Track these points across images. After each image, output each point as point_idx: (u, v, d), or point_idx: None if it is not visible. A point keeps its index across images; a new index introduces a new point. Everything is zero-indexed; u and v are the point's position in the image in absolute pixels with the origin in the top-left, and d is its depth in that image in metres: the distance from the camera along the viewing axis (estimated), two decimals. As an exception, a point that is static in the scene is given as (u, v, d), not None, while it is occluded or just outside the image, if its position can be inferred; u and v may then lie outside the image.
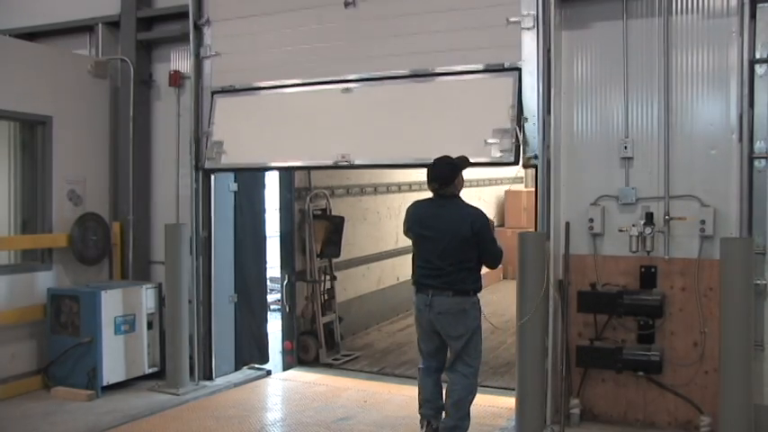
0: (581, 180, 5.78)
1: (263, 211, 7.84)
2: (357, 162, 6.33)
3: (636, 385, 5.65)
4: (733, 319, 4.92)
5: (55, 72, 7.10)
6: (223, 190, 7.23)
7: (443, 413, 5.23)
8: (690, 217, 5.45)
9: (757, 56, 5.25)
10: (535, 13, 5.61)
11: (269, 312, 8.19)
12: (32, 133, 7.06)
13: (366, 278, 9.68)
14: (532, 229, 5.86)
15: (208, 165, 6.93)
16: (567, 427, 5.64)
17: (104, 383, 6.58)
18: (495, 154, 5.66)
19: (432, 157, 5.21)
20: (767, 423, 5.21)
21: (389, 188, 10.14)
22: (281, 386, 7.18)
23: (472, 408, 5.20)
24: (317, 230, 8.15)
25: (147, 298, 7.01)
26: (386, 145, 6.19)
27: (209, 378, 7.08)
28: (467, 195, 5.38)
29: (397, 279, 10.21)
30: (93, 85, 7.42)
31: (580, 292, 5.69)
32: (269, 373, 7.44)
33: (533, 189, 5.85)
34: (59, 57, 7.33)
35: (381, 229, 10.08)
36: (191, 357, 6.90)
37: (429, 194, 5.29)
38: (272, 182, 8.05)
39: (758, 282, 5.19)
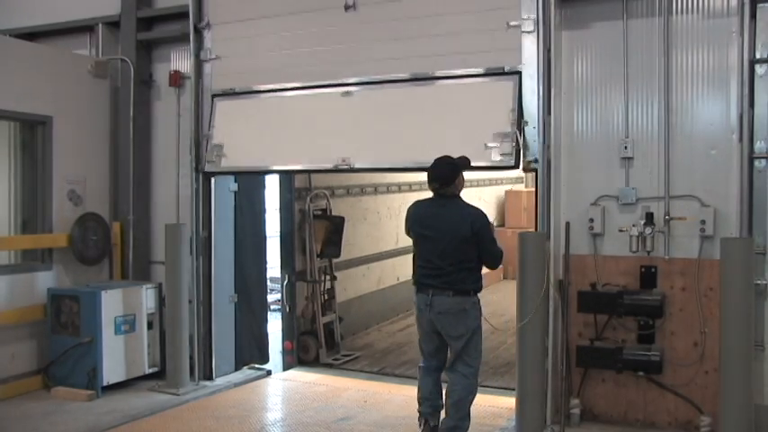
0: (581, 180, 5.78)
1: (264, 211, 7.84)
2: (357, 165, 6.33)
3: (636, 385, 5.65)
4: (733, 319, 4.91)
5: (55, 72, 7.11)
6: (223, 190, 7.23)
7: (443, 413, 5.23)
8: (690, 217, 5.45)
9: (757, 56, 5.25)
10: (535, 16, 5.61)
11: (269, 312, 8.19)
12: (33, 133, 7.06)
13: (366, 278, 9.68)
14: (533, 230, 5.86)
15: (208, 168, 6.93)
16: (568, 427, 5.64)
17: (104, 383, 6.58)
18: (496, 158, 5.66)
19: (432, 160, 5.21)
20: (767, 423, 5.21)
21: (390, 188, 10.14)
22: (282, 386, 7.18)
23: (472, 408, 5.21)
24: (318, 230, 8.15)
25: (147, 298, 7.01)
26: (386, 148, 6.19)
27: (210, 378, 7.08)
28: (467, 195, 5.39)
29: (398, 279, 10.21)
30: (94, 84, 7.43)
31: (580, 292, 5.69)
32: (269, 373, 7.44)
33: (533, 189, 5.85)
34: (60, 57, 7.34)
35: (381, 229, 10.08)
36: (191, 357, 6.90)
37: (430, 194, 5.29)
38: (272, 182, 8.05)
39: (758, 282, 5.19)
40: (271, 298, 8.95)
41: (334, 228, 8.31)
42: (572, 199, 5.79)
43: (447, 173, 5.12)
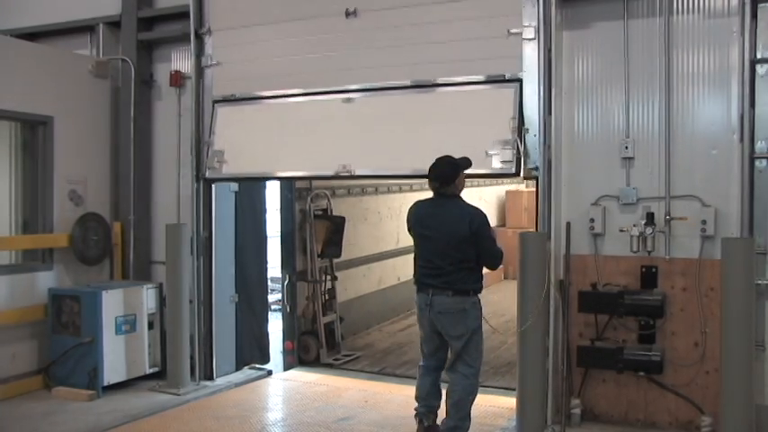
0: (582, 180, 5.77)
1: (264, 211, 7.84)
2: (358, 172, 6.32)
3: (637, 385, 5.65)
4: (734, 320, 4.91)
5: (56, 72, 7.11)
6: (224, 190, 7.23)
7: (444, 413, 5.23)
8: (690, 217, 5.44)
9: (758, 56, 5.24)
10: (536, 24, 5.61)
11: (270, 312, 8.20)
12: (33, 133, 7.06)
13: (367, 278, 9.68)
14: (533, 229, 5.86)
15: (209, 174, 6.92)
16: (568, 427, 5.64)
17: (105, 383, 6.58)
18: (496, 165, 5.66)
19: None
20: (768, 423, 5.22)
21: (390, 188, 10.14)
22: (282, 386, 7.18)
23: (473, 408, 5.21)
24: (318, 230, 8.15)
25: (147, 298, 7.01)
26: (387, 155, 6.18)
27: (210, 378, 7.08)
28: (468, 195, 5.39)
29: (398, 279, 10.21)
30: (94, 85, 7.43)
31: (581, 292, 5.69)
32: (270, 373, 7.44)
33: (534, 189, 5.85)
34: (60, 57, 7.34)
35: (382, 230, 10.08)
36: (191, 357, 6.90)
37: (430, 194, 5.29)
38: (273, 182, 8.05)
39: (759, 282, 5.18)
40: (271, 298, 8.96)
41: (335, 228, 8.31)
42: (573, 199, 5.79)
43: (447, 172, 5.12)
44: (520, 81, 5.72)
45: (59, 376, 6.67)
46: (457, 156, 5.19)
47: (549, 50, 5.60)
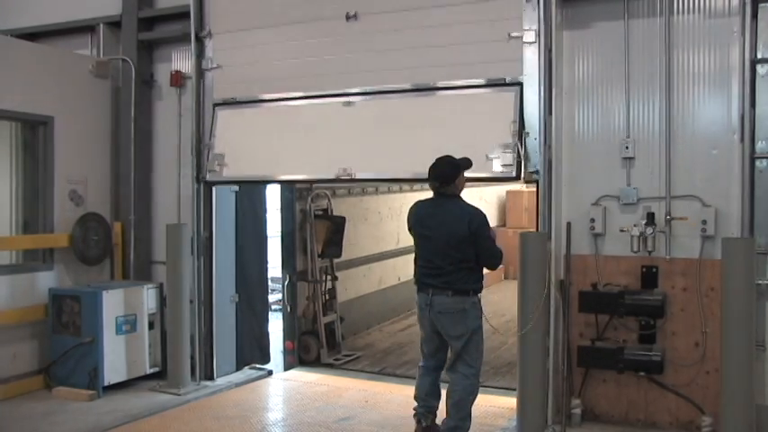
0: (582, 180, 5.77)
1: (265, 211, 7.83)
2: (358, 176, 6.32)
3: (637, 385, 5.65)
4: (734, 320, 4.91)
5: (56, 72, 7.11)
6: (224, 191, 7.23)
7: (445, 413, 5.23)
8: (691, 217, 5.44)
9: (759, 56, 5.24)
10: (537, 27, 5.60)
11: (270, 312, 8.19)
12: (34, 133, 7.06)
13: (367, 278, 9.68)
14: (534, 229, 5.86)
15: (209, 177, 6.92)
16: (569, 427, 5.64)
17: (105, 383, 6.58)
18: (497, 169, 5.66)
19: None
20: (769, 423, 5.22)
21: (391, 188, 10.14)
22: (283, 386, 7.18)
23: (474, 408, 5.21)
24: (319, 230, 8.15)
25: (148, 298, 7.01)
26: (387, 158, 6.18)
27: (211, 378, 7.08)
28: (468, 195, 5.39)
29: (398, 279, 10.21)
30: (95, 85, 7.43)
31: (581, 292, 5.69)
32: (270, 373, 7.44)
33: (535, 189, 5.85)
34: (61, 57, 7.34)
35: (382, 230, 10.08)
36: (192, 357, 6.90)
37: (431, 194, 5.29)
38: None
39: (760, 282, 5.18)
40: (272, 298, 8.96)
41: (336, 228, 8.31)
42: (573, 199, 5.79)
43: (447, 172, 5.12)
44: (520, 85, 5.72)
45: (60, 376, 6.67)
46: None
47: (550, 50, 5.60)
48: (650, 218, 5.49)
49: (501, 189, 14.82)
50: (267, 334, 7.77)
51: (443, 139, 5.56)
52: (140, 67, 7.48)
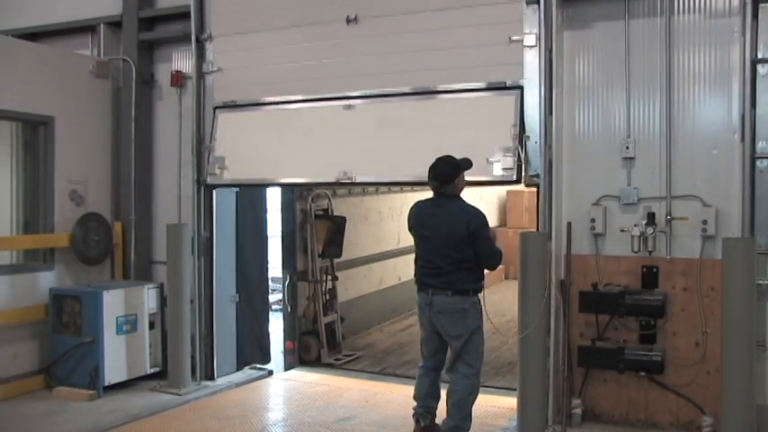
0: (583, 180, 5.77)
1: (265, 211, 7.84)
2: (359, 179, 6.32)
3: (638, 385, 5.65)
4: (735, 320, 4.91)
5: (57, 72, 7.11)
6: (225, 191, 7.23)
7: (446, 413, 5.24)
8: (691, 217, 5.44)
9: (759, 56, 5.24)
10: (537, 31, 5.60)
11: (270, 312, 8.19)
12: (34, 133, 7.06)
13: (368, 278, 9.69)
14: (534, 229, 5.86)
15: (210, 180, 6.92)
16: (569, 427, 5.64)
17: (106, 383, 6.58)
18: (497, 172, 5.66)
19: None
20: (769, 423, 5.22)
21: (391, 188, 10.13)
22: (283, 386, 7.18)
23: (474, 408, 5.21)
24: (319, 230, 8.15)
25: (148, 298, 7.01)
26: (387, 162, 6.18)
27: (211, 378, 7.08)
28: (469, 195, 5.39)
29: (399, 279, 10.21)
30: (95, 85, 7.43)
31: (582, 292, 5.69)
32: (270, 373, 7.44)
33: (535, 189, 5.85)
34: (61, 57, 7.34)
35: (383, 230, 10.08)
36: (192, 357, 6.90)
37: (431, 194, 5.29)
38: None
39: (760, 282, 5.18)
40: (272, 298, 8.95)
41: (336, 228, 8.31)
42: (573, 199, 5.79)
43: (447, 171, 5.12)
44: (521, 88, 5.72)
45: (60, 376, 6.67)
46: None
47: (551, 51, 5.59)
48: (651, 218, 5.48)
49: (501, 189, 14.81)
50: (268, 334, 7.77)
51: (444, 143, 5.55)
52: (141, 67, 7.48)
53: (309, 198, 8.03)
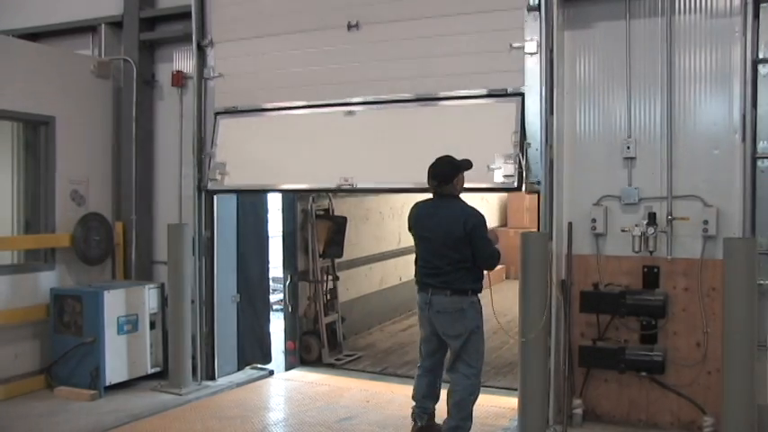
0: (584, 180, 5.77)
1: (266, 211, 7.84)
2: (360, 185, 6.30)
3: (639, 385, 5.65)
4: (736, 320, 4.91)
5: (58, 72, 7.12)
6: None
7: (446, 413, 5.24)
8: (692, 217, 5.43)
9: (760, 56, 5.24)
10: (538, 38, 5.59)
11: (271, 312, 8.20)
12: (35, 133, 7.07)
13: (368, 278, 9.68)
14: (535, 230, 5.86)
15: (211, 186, 6.91)
16: (570, 427, 5.64)
17: (107, 383, 6.59)
18: (498, 179, 5.65)
19: None
20: (770, 423, 5.22)
21: (392, 188, 10.11)
22: (284, 386, 7.18)
23: (475, 408, 5.21)
24: (320, 230, 8.15)
25: (149, 298, 7.02)
26: (388, 168, 6.18)
27: (212, 378, 7.09)
28: (469, 195, 5.38)
29: (400, 279, 10.21)
30: (96, 85, 7.44)
31: (583, 292, 5.69)
32: (271, 373, 7.45)
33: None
34: (62, 57, 7.35)
35: (384, 230, 10.08)
36: (193, 357, 6.91)
37: (431, 195, 5.30)
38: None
39: (761, 282, 5.17)
40: (273, 298, 8.95)
41: (337, 228, 8.31)
42: (574, 199, 5.79)
43: (446, 171, 5.13)
44: (522, 95, 5.71)
45: (61, 376, 6.67)
46: None
47: (551, 51, 5.59)
48: (652, 218, 5.48)
49: (502, 189, 14.79)
50: (268, 334, 7.77)
51: (444, 149, 5.54)
52: (142, 68, 7.48)
53: (310, 198, 8.03)
